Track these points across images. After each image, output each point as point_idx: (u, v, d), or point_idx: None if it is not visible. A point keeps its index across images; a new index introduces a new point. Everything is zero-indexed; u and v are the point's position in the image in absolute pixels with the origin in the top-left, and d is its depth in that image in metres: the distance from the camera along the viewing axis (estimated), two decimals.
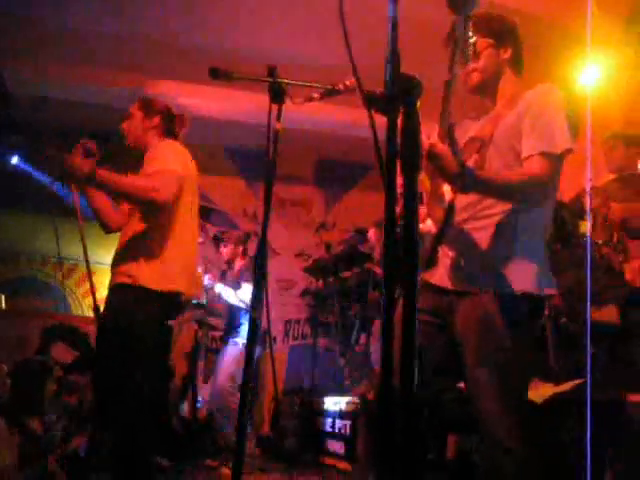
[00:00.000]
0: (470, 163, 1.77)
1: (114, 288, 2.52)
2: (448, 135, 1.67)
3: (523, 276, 1.81)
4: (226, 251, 4.64)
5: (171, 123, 2.77)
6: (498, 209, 1.84)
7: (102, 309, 2.71)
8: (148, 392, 2.50)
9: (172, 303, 2.54)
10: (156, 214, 2.51)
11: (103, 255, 3.70)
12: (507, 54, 1.93)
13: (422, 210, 2.08)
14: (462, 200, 1.82)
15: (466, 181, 1.66)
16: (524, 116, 1.82)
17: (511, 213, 1.82)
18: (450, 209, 1.79)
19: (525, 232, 1.84)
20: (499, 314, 1.77)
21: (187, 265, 2.61)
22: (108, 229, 2.75)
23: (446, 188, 1.81)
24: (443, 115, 1.66)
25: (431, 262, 1.80)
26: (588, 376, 1.93)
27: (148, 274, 2.45)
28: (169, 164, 2.52)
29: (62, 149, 2.38)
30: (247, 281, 4.34)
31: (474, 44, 1.85)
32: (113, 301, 2.51)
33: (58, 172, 2.48)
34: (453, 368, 2.28)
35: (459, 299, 1.85)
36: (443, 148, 1.64)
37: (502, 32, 1.93)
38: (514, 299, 1.79)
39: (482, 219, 1.85)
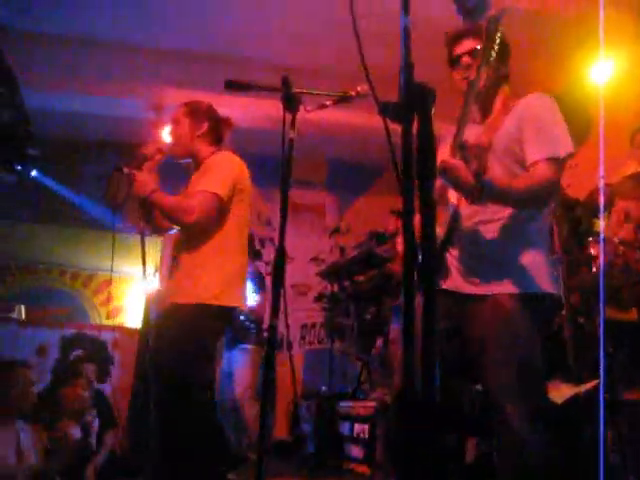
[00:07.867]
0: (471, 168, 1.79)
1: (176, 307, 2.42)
2: (459, 146, 1.69)
3: (539, 276, 1.86)
4: None
5: (218, 128, 2.59)
6: (507, 212, 1.87)
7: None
8: None
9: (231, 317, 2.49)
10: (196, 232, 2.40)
11: (121, 264, 3.73)
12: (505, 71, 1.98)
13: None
14: (468, 205, 1.84)
15: (483, 192, 1.68)
16: (524, 123, 1.86)
17: (520, 215, 1.87)
18: (456, 214, 1.82)
19: (535, 233, 1.89)
20: (520, 314, 1.81)
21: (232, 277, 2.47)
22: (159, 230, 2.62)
23: (451, 192, 1.83)
24: (464, 113, 1.67)
25: (438, 267, 1.84)
26: (602, 376, 1.92)
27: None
28: (215, 186, 2.39)
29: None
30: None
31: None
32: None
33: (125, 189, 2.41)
34: (468, 371, 2.29)
35: (475, 302, 1.86)
36: (456, 162, 1.67)
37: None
38: (534, 299, 1.83)
39: (493, 222, 1.88)
